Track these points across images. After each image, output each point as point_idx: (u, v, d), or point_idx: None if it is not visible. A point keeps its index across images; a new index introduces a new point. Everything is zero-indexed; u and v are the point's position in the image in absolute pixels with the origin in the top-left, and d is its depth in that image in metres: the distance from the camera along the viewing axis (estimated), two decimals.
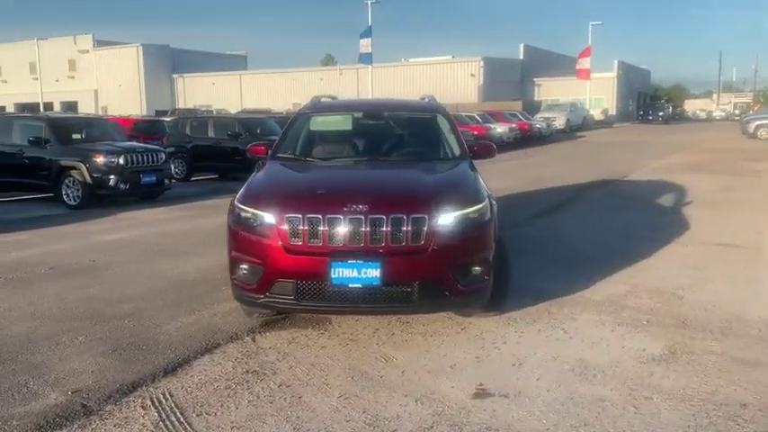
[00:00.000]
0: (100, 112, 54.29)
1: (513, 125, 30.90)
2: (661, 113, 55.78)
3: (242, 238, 4.60)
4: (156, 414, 3.65)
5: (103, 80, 60.16)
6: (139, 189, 12.58)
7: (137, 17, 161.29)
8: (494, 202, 5.01)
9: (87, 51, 60.68)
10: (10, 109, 53.11)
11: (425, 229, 4.35)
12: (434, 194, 4.62)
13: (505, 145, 28.93)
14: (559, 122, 41.03)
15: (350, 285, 4.33)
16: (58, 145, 12.35)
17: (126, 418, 3.62)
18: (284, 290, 4.46)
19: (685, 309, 5.48)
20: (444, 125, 6.11)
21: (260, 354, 4.54)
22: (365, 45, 40.95)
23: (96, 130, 13.57)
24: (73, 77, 61.63)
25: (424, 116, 6.41)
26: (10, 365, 4.36)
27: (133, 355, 4.53)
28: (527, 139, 31.63)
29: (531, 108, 45.29)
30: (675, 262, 7.12)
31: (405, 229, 4.33)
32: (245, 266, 4.59)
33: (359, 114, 6.31)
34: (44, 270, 7.07)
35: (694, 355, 4.45)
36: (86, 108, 57.92)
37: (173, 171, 17.67)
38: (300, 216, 4.37)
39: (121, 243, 8.69)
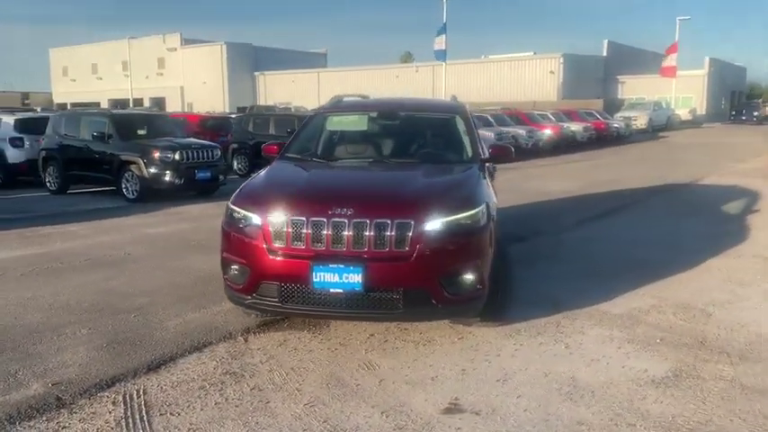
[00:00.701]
0: (185, 109, 56.53)
1: (588, 124, 29.82)
2: (756, 113, 52.42)
3: (232, 239, 4.60)
4: (122, 411, 3.69)
5: (189, 77, 62.44)
6: (194, 184, 12.93)
7: (222, 16, 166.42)
8: (493, 209, 4.80)
9: (175, 49, 63.20)
10: (104, 105, 56.01)
11: (410, 234, 4.21)
12: (423, 199, 4.46)
13: (579, 145, 28.07)
14: (641, 122, 39.33)
15: (331, 290, 4.25)
16: (119, 140, 12.88)
17: (93, 413, 3.68)
18: (269, 292, 4.43)
19: (709, 327, 5.07)
20: (461, 126, 5.90)
21: (246, 355, 4.53)
22: (440, 42, 40.65)
23: (157, 126, 14.05)
24: (162, 74, 64.34)
25: (441, 117, 6.23)
26: (9, 354, 4.53)
27: (125, 349, 4.62)
28: (603, 139, 30.45)
29: (613, 107, 43.67)
30: (718, 275, 6.63)
31: (388, 234, 4.20)
32: (234, 267, 4.59)
33: (374, 115, 6.20)
34: (80, 261, 7.36)
35: (699, 379, 4.10)
36: (173, 104, 60.46)
37: (235, 167, 18.20)
38: (285, 218, 4.33)
39: (162, 236, 8.95)
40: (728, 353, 4.52)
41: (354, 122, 6.17)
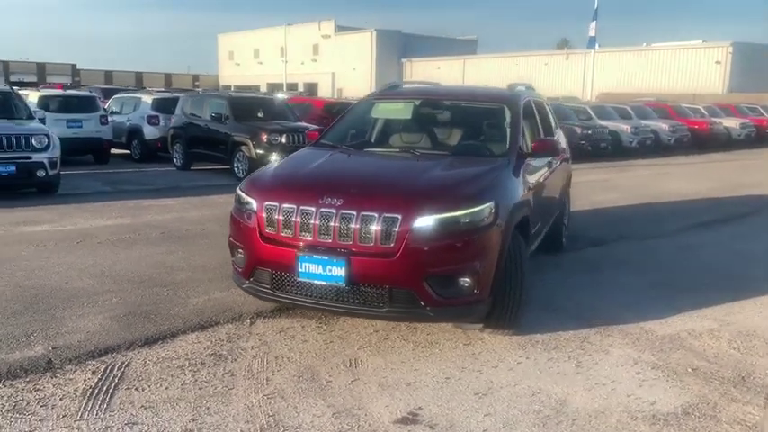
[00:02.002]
0: (335, 95, 58.46)
1: (747, 120, 26.95)
2: None
3: (235, 223, 4.62)
4: (96, 381, 3.82)
5: (340, 64, 64.46)
6: None
7: (377, 3, 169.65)
8: (510, 208, 4.41)
9: (329, 36, 65.54)
10: (263, 88, 59.38)
11: (397, 229, 3.97)
12: (416, 193, 4.18)
13: (734, 143, 25.49)
14: None
15: (315, 282, 4.13)
16: (234, 122, 13.53)
17: (70, 379, 3.85)
18: (263, 278, 4.40)
19: (764, 361, 4.36)
20: (506, 118, 5.49)
21: (243, 338, 4.55)
22: (593, 28, 38.65)
23: (271, 109, 14.60)
24: (315, 60, 67.05)
25: (487, 107, 5.82)
26: (37, 315, 4.87)
27: (137, 321, 4.81)
28: (766, 138, 27.40)
29: None
30: None
31: (374, 228, 4.00)
32: (238, 251, 4.62)
33: (419, 103, 5.93)
34: (155, 234, 7.83)
35: (712, 420, 3.52)
36: (325, 90, 62.78)
37: None
38: (277, 205, 4.26)
39: None
40: None
41: (399, 110, 5.95)
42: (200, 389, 3.77)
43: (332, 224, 4.07)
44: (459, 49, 66.03)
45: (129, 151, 17.07)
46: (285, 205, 4.22)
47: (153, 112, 16.46)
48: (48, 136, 10.41)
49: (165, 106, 16.52)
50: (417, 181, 4.44)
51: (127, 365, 4.07)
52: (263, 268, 4.38)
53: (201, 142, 14.46)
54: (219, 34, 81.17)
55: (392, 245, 3.98)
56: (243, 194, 4.56)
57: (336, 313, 4.44)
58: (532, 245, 5.43)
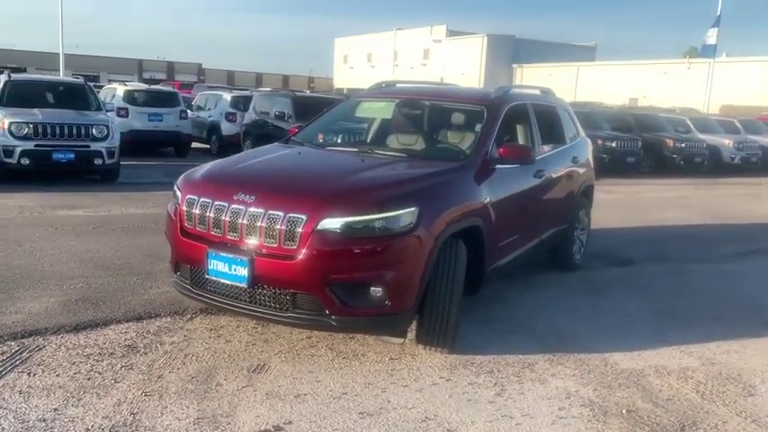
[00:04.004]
0: None
1: None
2: None
3: (167, 215, 4.56)
4: None
5: (450, 68, 64.09)
6: None
7: (490, 8, 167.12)
8: (440, 215, 4.05)
9: (440, 41, 65.33)
10: None
11: (300, 230, 3.74)
12: (329, 194, 3.92)
13: None
14: None
15: (222, 280, 3.99)
16: (296, 120, 13.67)
17: None
18: (185, 273, 4.31)
19: (724, 411, 3.75)
20: (482, 120, 5.09)
21: (169, 333, 4.47)
22: (711, 36, 35.98)
23: None
24: (425, 65, 67.07)
25: (467, 108, 5.41)
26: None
27: (82, 307, 4.85)
28: None
29: None
30: None
31: (278, 227, 3.79)
32: (169, 244, 4.56)
33: (399, 103, 5.63)
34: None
35: None
36: None
37: None
38: (196, 198, 4.15)
39: None
40: None
41: (381, 110, 5.70)
42: (87, 379, 3.73)
43: (240, 221, 3.91)
44: (575, 56, 63.72)
45: (208, 146, 17.77)
46: (203, 199, 4.11)
47: (231, 110, 17.02)
48: (107, 126, 10.96)
49: (242, 104, 17.04)
50: (338, 182, 4.18)
51: (39, 350, 4.10)
52: (183, 263, 4.30)
53: (268, 139, 14.67)
54: (336, 38, 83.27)
55: (295, 246, 3.76)
56: (175, 187, 4.50)
57: (243, 315, 4.25)
58: (501, 259, 5.01)
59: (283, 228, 3.78)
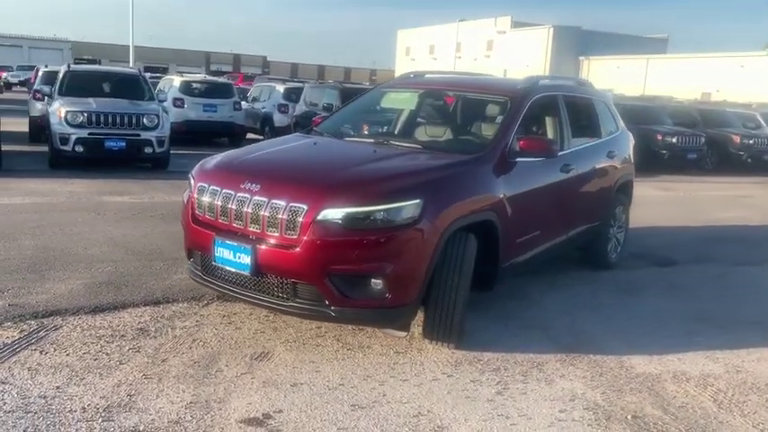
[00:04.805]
0: None
1: None
2: None
3: (184, 203, 4.62)
4: (15, 338, 4.03)
5: (513, 60, 63.05)
6: None
7: None
8: (447, 207, 3.96)
9: (504, 32, 64.36)
10: None
11: (301, 220, 3.73)
12: (332, 184, 3.87)
13: None
14: None
15: (227, 268, 4.02)
16: None
17: None
18: (197, 260, 4.37)
19: (739, 421, 3.53)
20: (504, 112, 4.94)
21: (182, 318, 4.55)
22: None
23: None
24: (488, 57, 66.22)
25: (491, 99, 5.27)
26: (29, 274, 5.23)
27: (105, 290, 5.00)
28: None
29: None
30: None
31: (280, 217, 3.79)
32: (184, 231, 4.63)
33: (422, 93, 5.53)
34: None
35: None
36: None
37: None
38: (206, 186, 4.20)
39: None
40: None
41: (405, 100, 5.61)
42: (94, 360, 3.83)
43: (245, 210, 3.93)
44: (646, 48, 61.64)
45: (262, 137, 18.04)
46: (212, 187, 4.16)
47: (283, 101, 17.21)
48: (158, 116, 11.26)
49: (295, 95, 17.22)
50: (342, 172, 4.13)
51: (56, 329, 4.24)
52: (195, 250, 4.36)
53: None
54: (399, 30, 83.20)
55: (295, 236, 3.75)
56: (189, 175, 4.56)
57: (248, 303, 4.26)
58: (519, 255, 4.87)
59: (285, 217, 3.78)
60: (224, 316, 4.65)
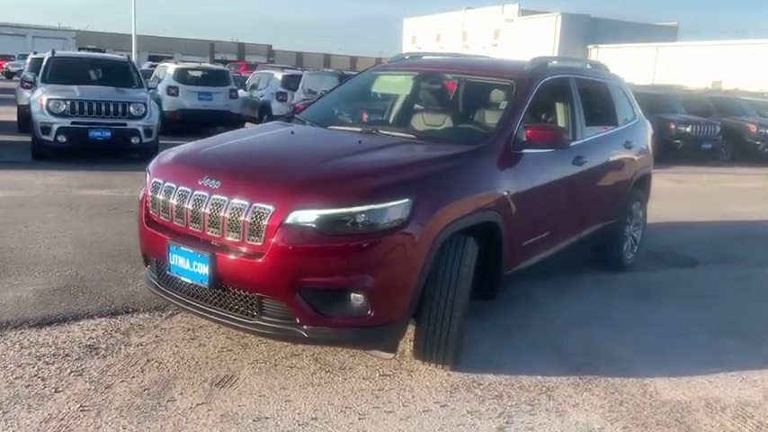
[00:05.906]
0: None
1: None
2: None
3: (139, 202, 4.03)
4: None
5: (520, 48, 61.98)
6: None
7: None
8: (442, 207, 3.38)
9: (512, 20, 63.35)
10: None
11: (266, 223, 3.14)
12: (303, 181, 3.27)
13: None
14: None
15: (182, 278, 3.44)
16: None
17: None
18: (153, 267, 3.80)
19: None
20: (509, 97, 4.34)
21: (140, 332, 3.98)
22: None
23: None
24: (495, 45, 65.15)
25: (494, 83, 4.65)
26: None
27: (60, 298, 4.43)
28: None
29: None
30: None
31: (242, 219, 3.21)
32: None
33: (418, 76, 4.92)
34: None
35: None
36: None
37: None
38: (161, 182, 3.61)
39: None
40: None
41: (399, 84, 5.01)
42: (26, 387, 3.27)
43: (202, 210, 3.34)
44: (655, 36, 60.52)
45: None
46: (168, 184, 3.57)
47: (281, 89, 16.59)
48: (145, 104, 10.67)
49: (294, 83, 16.59)
50: (317, 167, 3.52)
51: None
52: (150, 256, 3.78)
53: None
54: (405, 18, 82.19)
55: (260, 242, 3.17)
56: (146, 169, 3.97)
57: (208, 319, 3.67)
58: (526, 260, 4.27)
59: (248, 219, 3.19)
60: (188, 330, 4.08)
